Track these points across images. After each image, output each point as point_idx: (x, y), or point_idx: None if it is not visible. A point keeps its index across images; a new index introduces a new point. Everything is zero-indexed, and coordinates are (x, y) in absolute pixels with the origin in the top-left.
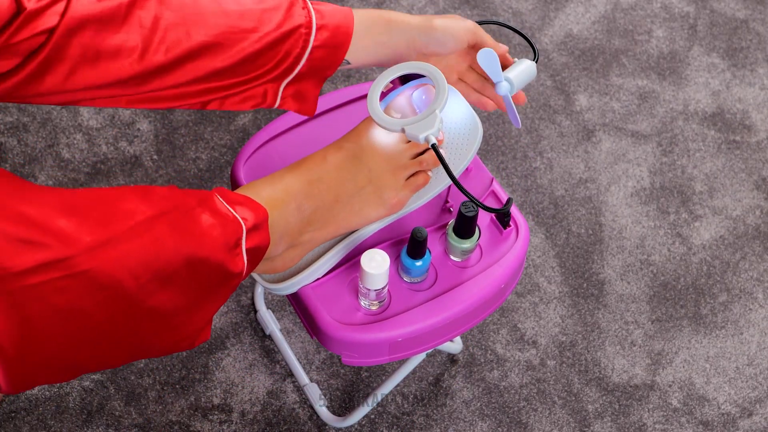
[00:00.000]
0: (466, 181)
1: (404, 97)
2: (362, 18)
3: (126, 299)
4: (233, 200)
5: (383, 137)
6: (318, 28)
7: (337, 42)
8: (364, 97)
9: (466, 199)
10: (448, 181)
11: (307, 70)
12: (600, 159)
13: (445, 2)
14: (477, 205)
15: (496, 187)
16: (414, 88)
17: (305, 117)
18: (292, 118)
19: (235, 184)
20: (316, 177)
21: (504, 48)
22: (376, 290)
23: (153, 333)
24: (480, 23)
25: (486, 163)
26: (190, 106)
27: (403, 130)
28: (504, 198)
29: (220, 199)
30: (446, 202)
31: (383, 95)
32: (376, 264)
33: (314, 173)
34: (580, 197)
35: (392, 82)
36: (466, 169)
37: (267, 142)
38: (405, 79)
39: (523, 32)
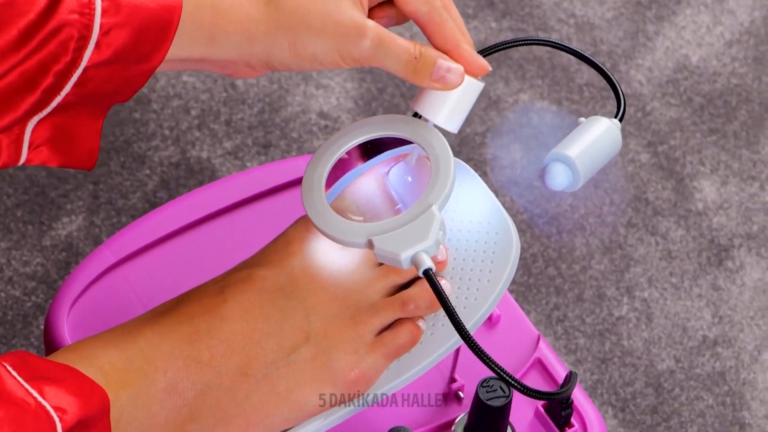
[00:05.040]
0: (488, 338)
1: (372, 180)
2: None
3: None
4: (40, 373)
5: (333, 257)
6: (105, 30)
7: (141, 53)
8: (298, 182)
9: (488, 374)
10: (455, 340)
11: (77, 97)
12: (741, 301)
13: (457, 3)
14: (511, 386)
15: (546, 351)
16: (390, 163)
17: (185, 221)
18: (160, 219)
19: (51, 343)
20: (203, 330)
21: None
22: None
23: None
24: (520, 43)
25: (527, 307)
26: None
27: (370, 244)
28: (561, 373)
29: (13, 372)
30: (452, 380)
31: (333, 177)
32: None
33: (201, 322)
34: (703, 374)
35: (349, 153)
36: (490, 316)
37: (113, 266)
38: (372, 147)
39: (595, 61)
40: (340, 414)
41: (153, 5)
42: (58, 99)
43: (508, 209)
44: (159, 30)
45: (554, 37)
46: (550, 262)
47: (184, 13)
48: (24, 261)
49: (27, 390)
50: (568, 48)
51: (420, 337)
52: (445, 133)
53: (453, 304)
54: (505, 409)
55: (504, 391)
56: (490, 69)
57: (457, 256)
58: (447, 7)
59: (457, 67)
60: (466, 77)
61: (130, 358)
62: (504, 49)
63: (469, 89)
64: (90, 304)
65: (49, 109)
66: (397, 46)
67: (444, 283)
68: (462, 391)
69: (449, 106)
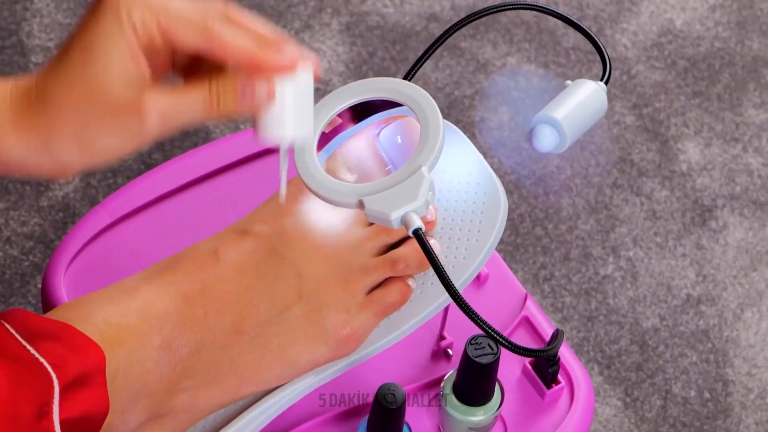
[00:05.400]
0: (477, 297)
1: (363, 142)
2: None
3: None
4: (38, 331)
5: (325, 217)
6: None
7: None
8: None
9: (477, 332)
10: (444, 299)
11: None
12: (725, 261)
13: None
14: (499, 344)
15: (534, 310)
16: (380, 125)
17: (180, 182)
18: (155, 180)
19: (48, 302)
20: (198, 288)
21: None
22: None
23: None
24: (508, 8)
25: (514, 267)
26: None
27: (361, 204)
28: (548, 331)
29: (11, 329)
30: (441, 337)
31: (325, 139)
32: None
33: (195, 281)
34: (687, 331)
35: (340, 115)
36: (478, 276)
37: (109, 226)
38: (362, 109)
39: (581, 25)
40: (331, 371)
41: None
42: None
43: (496, 170)
44: None
45: (541, 2)
46: (537, 222)
47: None
48: (22, 221)
49: (25, 347)
50: (555, 12)
51: (410, 296)
52: (434, 95)
53: (442, 263)
54: (493, 366)
55: (492, 349)
56: (301, 59)
57: (446, 216)
58: (229, 18)
59: (260, 82)
60: (282, 80)
61: (126, 316)
62: (492, 13)
63: (295, 89)
64: (86, 263)
65: None
66: (189, 98)
67: (433, 243)
68: (451, 349)
69: (287, 118)
